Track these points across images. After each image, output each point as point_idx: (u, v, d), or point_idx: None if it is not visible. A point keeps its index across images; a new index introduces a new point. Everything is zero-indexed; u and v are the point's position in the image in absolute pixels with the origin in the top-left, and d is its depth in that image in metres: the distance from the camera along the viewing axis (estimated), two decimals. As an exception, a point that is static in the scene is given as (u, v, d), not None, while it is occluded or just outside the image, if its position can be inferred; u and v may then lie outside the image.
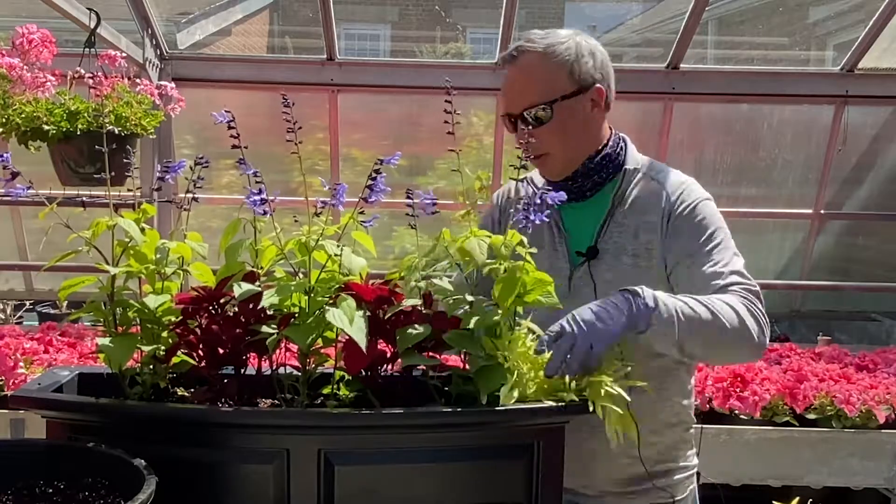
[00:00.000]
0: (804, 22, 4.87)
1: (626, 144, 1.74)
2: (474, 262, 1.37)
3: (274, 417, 1.33)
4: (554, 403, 1.34)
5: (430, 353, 1.40)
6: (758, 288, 1.58)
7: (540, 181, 1.73)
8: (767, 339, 1.55)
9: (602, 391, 1.32)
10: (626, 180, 1.68)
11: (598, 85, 1.67)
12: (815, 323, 4.83)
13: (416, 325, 1.34)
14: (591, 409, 1.32)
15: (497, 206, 1.85)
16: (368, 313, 1.33)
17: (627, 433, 1.35)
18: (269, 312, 1.36)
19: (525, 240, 1.38)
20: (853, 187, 4.33)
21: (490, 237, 1.40)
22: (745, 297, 1.54)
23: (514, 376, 1.32)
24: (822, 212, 4.28)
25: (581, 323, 1.39)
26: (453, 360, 1.46)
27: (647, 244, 1.64)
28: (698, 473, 1.82)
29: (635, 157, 1.73)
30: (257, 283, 1.38)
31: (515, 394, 1.30)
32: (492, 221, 1.83)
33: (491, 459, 1.34)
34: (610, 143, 1.72)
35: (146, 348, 1.37)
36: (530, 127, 1.63)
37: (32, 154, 2.76)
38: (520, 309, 1.41)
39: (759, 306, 1.55)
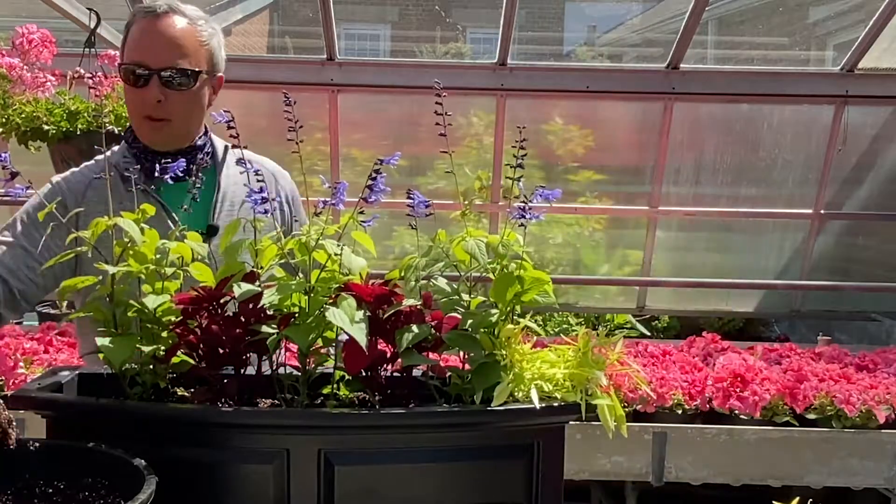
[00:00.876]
0: (804, 22, 4.87)
1: (210, 133, 1.82)
2: (475, 262, 1.37)
3: (274, 417, 1.33)
4: (554, 403, 1.34)
5: (430, 353, 1.40)
6: None
7: (119, 162, 1.66)
8: None
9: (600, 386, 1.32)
10: (226, 163, 1.76)
11: (221, 74, 1.77)
12: (815, 323, 4.83)
13: (416, 325, 1.34)
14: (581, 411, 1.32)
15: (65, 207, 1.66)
16: (368, 313, 1.33)
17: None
18: (269, 312, 1.36)
19: (521, 238, 1.38)
20: (853, 187, 4.33)
21: (487, 237, 1.40)
22: None
23: (511, 375, 1.33)
24: (822, 212, 4.28)
25: None
26: (454, 360, 1.46)
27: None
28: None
29: (217, 141, 1.82)
30: (257, 283, 1.38)
31: (508, 392, 1.30)
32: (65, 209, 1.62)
33: (491, 459, 1.34)
34: (207, 130, 1.79)
35: (146, 348, 1.37)
36: (166, 86, 1.63)
37: (32, 154, 2.76)
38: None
39: None
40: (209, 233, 1.70)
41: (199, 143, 1.76)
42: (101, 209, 1.40)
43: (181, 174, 1.51)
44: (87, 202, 1.65)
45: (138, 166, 1.57)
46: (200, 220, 1.69)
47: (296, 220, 1.88)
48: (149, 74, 1.61)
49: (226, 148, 1.77)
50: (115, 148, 1.76)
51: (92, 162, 1.79)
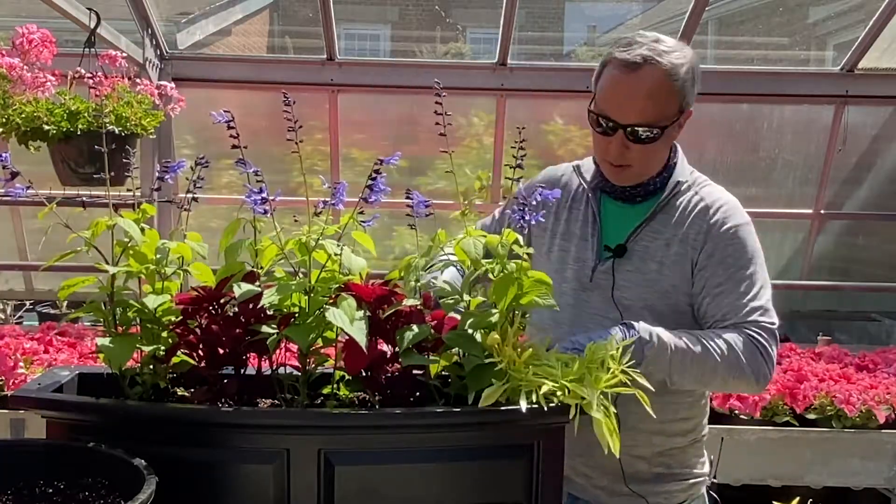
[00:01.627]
0: (804, 22, 4.87)
1: (678, 155, 1.74)
2: (474, 262, 1.37)
3: (274, 417, 1.33)
4: (554, 404, 1.33)
5: (430, 353, 1.40)
6: (776, 326, 1.60)
7: (584, 169, 1.76)
8: (771, 377, 1.58)
9: (593, 404, 1.31)
10: (673, 191, 1.68)
11: (690, 109, 1.66)
12: (815, 323, 4.82)
13: (416, 325, 1.34)
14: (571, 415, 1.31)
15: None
16: (368, 313, 1.33)
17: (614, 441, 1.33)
18: (269, 312, 1.36)
19: (520, 238, 1.39)
20: (853, 187, 4.32)
21: (486, 237, 1.40)
22: (754, 336, 1.56)
23: (506, 376, 1.32)
24: (822, 212, 4.28)
25: (578, 348, 1.41)
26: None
27: (675, 255, 1.64)
28: (711, 486, 1.82)
29: (684, 169, 1.73)
30: (257, 283, 1.38)
31: (497, 395, 1.30)
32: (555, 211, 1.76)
33: (491, 459, 1.34)
34: (671, 157, 1.72)
35: (146, 348, 1.37)
36: (630, 139, 1.58)
37: (32, 154, 2.76)
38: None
39: (769, 345, 1.57)
40: (616, 252, 1.65)
41: (669, 165, 1.71)
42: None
43: (621, 196, 1.66)
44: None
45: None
46: (620, 238, 1.67)
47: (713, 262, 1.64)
48: (614, 127, 1.58)
49: (678, 183, 1.68)
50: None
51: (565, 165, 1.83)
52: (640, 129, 1.57)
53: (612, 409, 1.32)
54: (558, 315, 1.59)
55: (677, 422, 1.69)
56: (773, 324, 1.59)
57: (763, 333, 1.56)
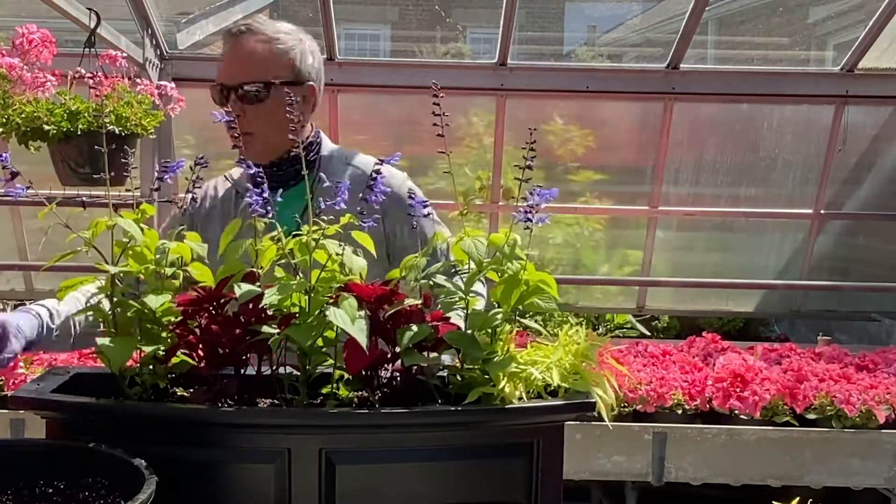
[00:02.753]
0: (804, 22, 4.87)
1: (320, 136, 1.87)
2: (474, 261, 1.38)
3: (274, 417, 1.33)
4: (554, 402, 1.34)
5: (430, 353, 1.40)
6: None
7: (237, 176, 1.82)
8: None
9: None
10: (321, 166, 1.78)
11: (311, 83, 1.81)
12: (815, 323, 4.83)
13: (416, 325, 1.34)
14: (593, 407, 1.32)
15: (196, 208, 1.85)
16: (369, 313, 1.33)
17: None
18: (269, 312, 1.36)
19: (518, 239, 1.39)
20: (853, 187, 4.33)
21: (487, 237, 1.40)
22: None
23: (504, 376, 1.33)
24: (822, 212, 4.28)
25: None
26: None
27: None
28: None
29: (328, 145, 1.86)
30: (257, 284, 1.38)
31: (481, 392, 1.31)
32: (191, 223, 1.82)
33: (491, 458, 1.34)
34: (310, 137, 1.84)
35: (146, 348, 1.37)
36: (241, 103, 1.72)
37: (32, 154, 2.76)
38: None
39: None
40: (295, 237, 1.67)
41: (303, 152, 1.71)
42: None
43: (276, 184, 1.59)
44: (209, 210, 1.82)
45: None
46: (290, 227, 1.66)
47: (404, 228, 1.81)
48: (226, 93, 1.72)
49: (331, 153, 1.80)
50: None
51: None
52: (249, 86, 1.71)
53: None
54: None
55: None
56: None
57: None
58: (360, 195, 1.43)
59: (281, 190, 1.48)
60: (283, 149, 1.73)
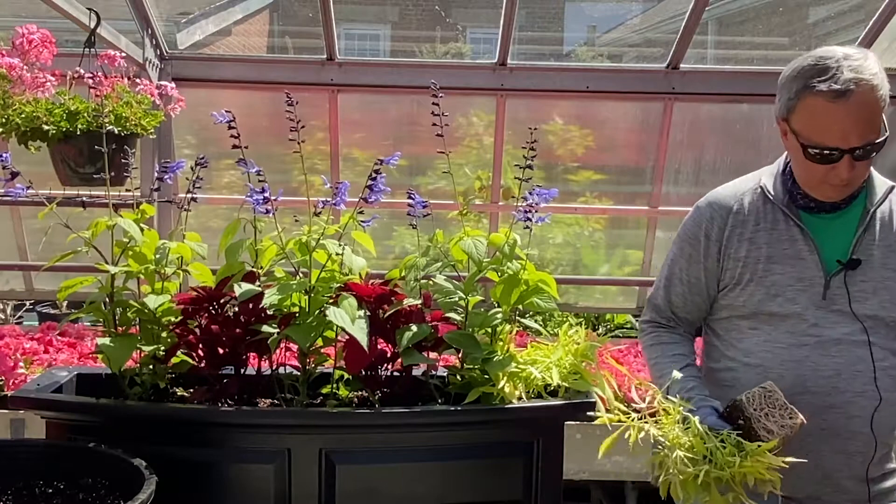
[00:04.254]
0: (804, 22, 4.87)
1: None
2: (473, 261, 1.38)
3: (275, 417, 1.33)
4: (553, 402, 1.34)
5: (430, 353, 1.40)
6: None
7: (772, 188, 1.70)
8: None
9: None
10: (880, 196, 1.67)
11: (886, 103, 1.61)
12: (815, 323, 4.81)
13: (416, 325, 1.34)
14: (593, 407, 1.33)
15: (713, 223, 1.73)
16: (368, 313, 1.33)
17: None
18: (270, 312, 1.36)
19: (518, 238, 1.39)
20: (853, 187, 4.32)
21: (487, 237, 1.40)
22: None
23: (504, 376, 1.33)
24: (822, 212, 4.27)
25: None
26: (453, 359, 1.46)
27: None
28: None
29: (876, 173, 1.72)
30: (257, 283, 1.38)
31: (481, 392, 1.31)
32: (704, 241, 1.71)
33: (490, 458, 1.34)
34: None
35: (146, 348, 1.37)
36: (857, 160, 1.57)
37: (32, 154, 2.76)
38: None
39: None
40: (849, 265, 1.62)
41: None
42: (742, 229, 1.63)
43: (822, 208, 1.62)
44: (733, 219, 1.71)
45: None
46: (839, 251, 1.64)
47: None
48: (840, 155, 1.57)
49: (891, 188, 1.68)
50: (767, 170, 1.74)
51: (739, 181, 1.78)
52: (866, 149, 1.56)
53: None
54: (797, 336, 1.59)
55: None
56: None
57: None
58: None
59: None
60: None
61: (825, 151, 1.56)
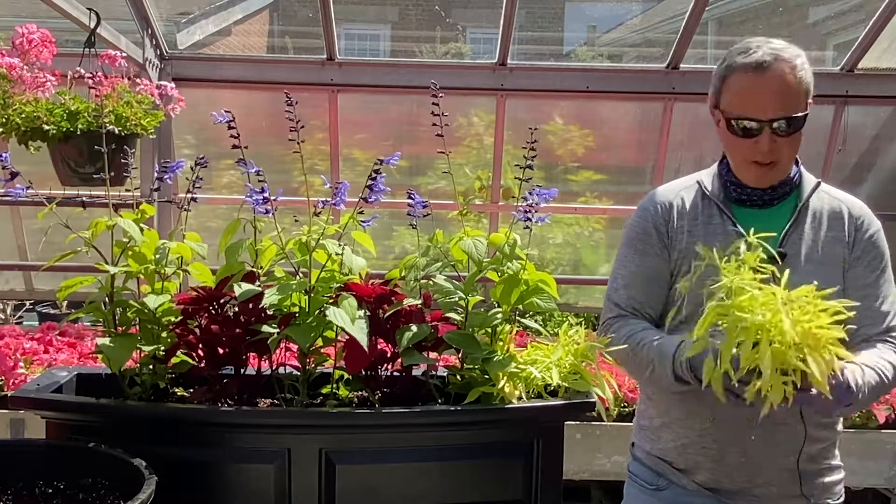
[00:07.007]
0: (804, 22, 4.87)
1: (798, 161, 1.78)
2: (472, 261, 1.38)
3: (274, 417, 1.33)
4: (554, 402, 1.34)
5: (430, 353, 1.40)
6: None
7: (709, 185, 1.76)
8: None
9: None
10: (808, 193, 1.73)
11: (811, 100, 1.69)
12: (815, 323, 4.81)
13: (416, 325, 1.34)
14: (593, 407, 1.33)
15: (658, 217, 1.78)
16: (368, 313, 1.33)
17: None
18: (269, 312, 1.36)
19: (518, 238, 1.39)
20: (853, 187, 4.31)
21: (487, 237, 1.40)
22: None
23: (504, 376, 1.33)
24: (822, 212, 4.27)
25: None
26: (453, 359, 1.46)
27: (833, 256, 1.68)
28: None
29: (808, 174, 1.78)
30: (257, 283, 1.38)
31: (481, 392, 1.31)
32: (655, 234, 1.75)
33: (490, 457, 1.34)
34: (798, 163, 1.76)
35: (146, 348, 1.37)
36: (776, 134, 1.63)
37: (32, 154, 2.76)
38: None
39: None
40: (776, 258, 1.61)
41: (791, 175, 1.75)
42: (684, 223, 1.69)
43: (764, 200, 1.67)
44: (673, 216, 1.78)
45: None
46: (769, 244, 1.62)
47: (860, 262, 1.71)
48: (759, 127, 1.63)
49: (817, 183, 1.75)
50: (705, 171, 1.82)
51: (678, 181, 1.86)
52: (784, 122, 1.63)
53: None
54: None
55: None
56: None
57: None
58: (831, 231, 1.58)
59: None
60: (787, 175, 1.71)
61: (747, 123, 1.65)
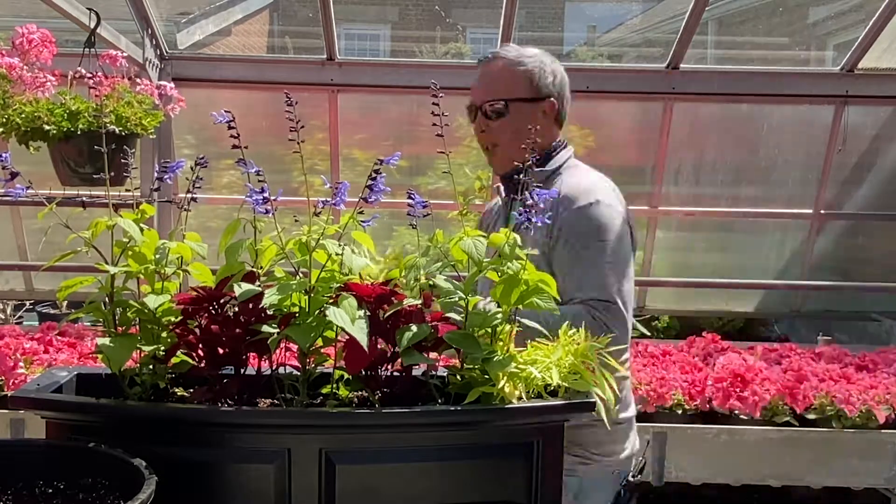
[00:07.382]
0: (804, 22, 4.87)
1: (561, 151, 2.01)
2: (472, 261, 1.38)
3: (274, 417, 1.33)
4: (554, 402, 1.34)
5: (430, 353, 1.40)
6: (611, 301, 1.77)
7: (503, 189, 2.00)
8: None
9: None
10: (543, 181, 1.90)
11: (551, 99, 1.97)
12: (815, 323, 4.82)
13: (416, 325, 1.34)
14: (593, 407, 1.33)
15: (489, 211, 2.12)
16: (368, 313, 1.33)
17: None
18: (269, 312, 1.36)
19: (518, 238, 1.39)
20: (853, 187, 4.32)
21: (487, 237, 1.40)
22: (592, 309, 1.75)
23: (504, 376, 1.33)
24: (822, 212, 4.28)
25: None
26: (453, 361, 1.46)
27: (540, 243, 1.80)
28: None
29: (560, 160, 1.98)
30: (257, 283, 1.38)
31: (481, 392, 1.32)
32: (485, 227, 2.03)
33: (491, 458, 1.34)
34: (548, 149, 1.98)
35: (146, 348, 1.37)
36: (487, 118, 1.91)
37: (32, 154, 2.76)
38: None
39: (605, 318, 1.74)
40: None
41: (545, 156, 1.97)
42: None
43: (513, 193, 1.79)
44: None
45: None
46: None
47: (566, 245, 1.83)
48: (475, 111, 1.95)
49: (554, 170, 1.96)
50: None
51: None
52: (491, 104, 1.90)
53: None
54: None
55: None
56: (609, 299, 1.76)
57: (599, 307, 1.75)
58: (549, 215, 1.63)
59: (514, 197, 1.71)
60: (521, 160, 1.75)
61: (469, 107, 1.96)
